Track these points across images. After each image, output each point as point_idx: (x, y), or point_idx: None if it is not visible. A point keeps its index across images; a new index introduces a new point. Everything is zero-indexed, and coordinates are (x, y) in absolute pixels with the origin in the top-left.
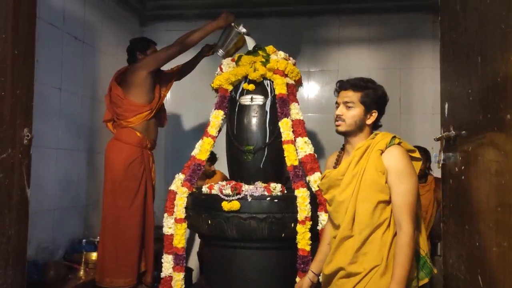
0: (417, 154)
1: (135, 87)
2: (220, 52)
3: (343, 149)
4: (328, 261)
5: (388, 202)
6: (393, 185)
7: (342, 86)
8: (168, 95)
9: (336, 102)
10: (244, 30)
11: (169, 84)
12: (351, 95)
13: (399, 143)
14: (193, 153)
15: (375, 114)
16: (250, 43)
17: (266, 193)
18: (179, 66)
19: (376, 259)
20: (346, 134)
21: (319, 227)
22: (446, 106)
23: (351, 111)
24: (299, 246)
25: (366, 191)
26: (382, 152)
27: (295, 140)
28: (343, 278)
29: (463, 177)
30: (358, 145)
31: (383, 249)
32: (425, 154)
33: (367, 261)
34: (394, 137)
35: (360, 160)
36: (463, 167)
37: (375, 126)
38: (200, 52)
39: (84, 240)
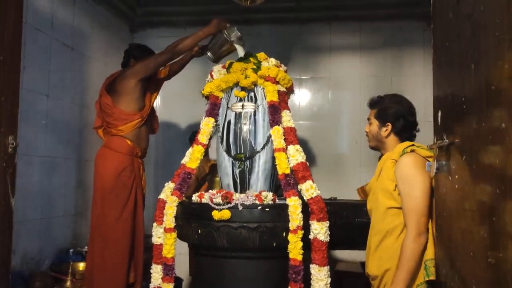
0: None
1: (125, 96)
2: (210, 55)
3: None
4: None
5: (400, 208)
6: (400, 192)
7: (367, 104)
8: (159, 102)
9: None
10: (238, 34)
11: (158, 87)
12: (370, 112)
13: (412, 151)
14: (183, 161)
15: (389, 127)
16: (240, 50)
17: (257, 201)
18: (168, 66)
19: (387, 264)
20: (375, 149)
21: (311, 236)
22: (439, 114)
23: (370, 127)
24: (290, 255)
25: (379, 199)
26: (396, 161)
27: (286, 148)
28: (372, 280)
29: (456, 186)
30: (383, 158)
31: (394, 256)
32: None
33: (381, 265)
34: (411, 145)
35: (381, 171)
36: (456, 176)
37: (402, 137)
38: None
39: (71, 250)
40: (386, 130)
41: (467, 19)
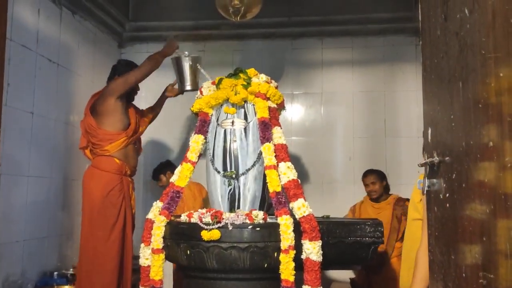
0: None
1: (107, 116)
2: (188, 86)
3: None
4: None
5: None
6: (423, 204)
7: None
8: None
9: None
10: (195, 56)
11: (144, 119)
12: None
13: None
14: (171, 180)
15: None
16: (205, 75)
17: (247, 221)
18: (150, 115)
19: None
20: None
21: (303, 256)
22: (429, 131)
23: None
24: (282, 276)
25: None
26: None
27: (277, 165)
28: None
29: (447, 205)
30: None
31: None
32: (378, 174)
33: (409, 276)
34: None
35: None
36: (447, 195)
37: None
38: (163, 92)
39: (56, 273)
40: None
41: (455, 37)
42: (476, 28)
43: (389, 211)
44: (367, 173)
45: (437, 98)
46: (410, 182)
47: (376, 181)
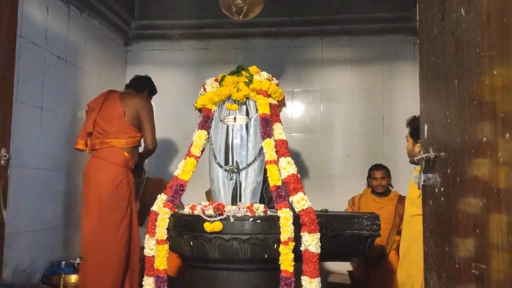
0: None
1: (131, 116)
2: None
3: None
4: None
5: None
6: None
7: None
8: None
9: None
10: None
11: None
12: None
13: None
14: (175, 173)
15: (418, 144)
16: None
17: (249, 213)
18: None
19: (415, 270)
20: (415, 164)
21: (302, 248)
22: (426, 127)
23: (407, 145)
24: (282, 267)
25: (405, 208)
26: None
27: (278, 160)
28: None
29: (442, 199)
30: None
31: (421, 262)
32: (387, 171)
33: (412, 269)
34: None
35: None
36: (442, 189)
37: None
38: None
39: (63, 262)
40: (419, 147)
41: (451, 36)
42: (471, 28)
43: (391, 207)
44: (379, 167)
45: (433, 96)
46: (407, 178)
47: (385, 176)
